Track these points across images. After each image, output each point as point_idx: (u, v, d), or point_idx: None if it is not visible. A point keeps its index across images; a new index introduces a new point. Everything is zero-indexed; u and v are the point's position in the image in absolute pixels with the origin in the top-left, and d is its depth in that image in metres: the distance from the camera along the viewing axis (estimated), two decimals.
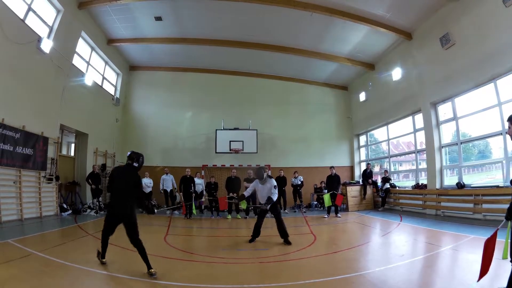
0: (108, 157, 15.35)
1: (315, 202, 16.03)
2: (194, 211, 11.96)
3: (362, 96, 17.35)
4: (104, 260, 4.99)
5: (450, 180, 11.67)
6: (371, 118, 16.59)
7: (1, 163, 8.69)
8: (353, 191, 14.45)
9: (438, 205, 11.25)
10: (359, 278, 4.38)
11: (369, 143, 18.09)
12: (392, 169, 15.75)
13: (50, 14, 10.99)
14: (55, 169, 11.21)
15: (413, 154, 14.01)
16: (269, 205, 7.01)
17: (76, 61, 12.81)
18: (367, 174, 14.82)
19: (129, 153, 5.20)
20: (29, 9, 9.89)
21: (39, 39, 10.12)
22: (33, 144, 10.01)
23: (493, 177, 10.35)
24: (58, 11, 11.21)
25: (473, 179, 10.97)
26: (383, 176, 14.43)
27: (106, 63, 15.65)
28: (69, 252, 5.65)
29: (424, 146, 12.79)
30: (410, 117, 13.85)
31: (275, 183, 7.28)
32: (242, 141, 16.31)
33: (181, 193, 12.38)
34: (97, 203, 12.43)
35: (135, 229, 4.78)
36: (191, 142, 17.59)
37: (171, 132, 17.56)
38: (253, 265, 5.28)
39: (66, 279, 4.24)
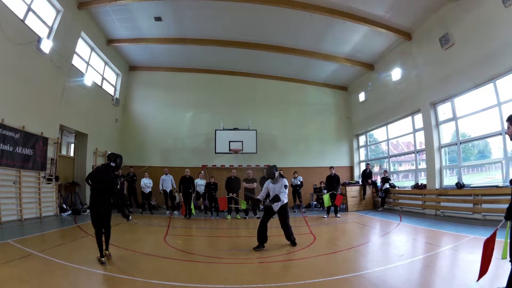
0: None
1: (315, 202, 16.05)
2: (193, 211, 11.98)
3: (362, 96, 17.37)
4: (103, 259, 5.10)
5: (449, 180, 11.68)
6: (371, 118, 16.60)
7: (1, 163, 8.69)
8: (352, 191, 14.46)
9: (437, 205, 11.26)
10: (359, 278, 4.39)
11: (368, 143, 18.09)
12: (392, 169, 15.75)
13: (49, 14, 10.99)
14: (55, 170, 11.21)
15: (413, 154, 14.01)
16: (273, 203, 6.66)
17: (76, 62, 12.81)
18: (367, 174, 14.83)
19: (108, 153, 5.76)
20: (29, 9, 9.90)
21: (38, 40, 10.11)
22: (32, 145, 10.01)
23: (493, 177, 10.35)
24: (57, 11, 11.21)
25: (472, 179, 10.97)
26: (383, 176, 14.44)
27: (106, 63, 15.65)
28: (69, 252, 5.66)
29: (423, 146, 12.80)
30: (410, 117, 13.86)
31: (286, 182, 6.89)
32: (242, 141, 16.32)
33: (181, 194, 12.37)
34: None
35: (109, 219, 5.53)
36: (190, 142, 17.58)
37: (171, 133, 17.56)
38: (252, 265, 5.28)
39: (66, 279, 4.24)
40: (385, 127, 15.94)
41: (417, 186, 12.85)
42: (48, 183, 10.88)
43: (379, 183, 14.81)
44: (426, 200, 11.99)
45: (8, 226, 8.24)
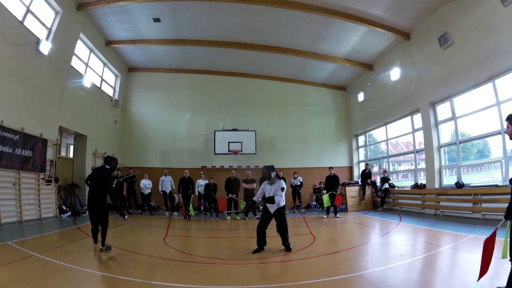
0: None
1: (314, 203, 16.05)
2: (191, 212, 11.97)
3: (361, 97, 17.38)
4: (96, 245, 5.79)
5: (449, 179, 11.69)
6: (370, 118, 16.61)
7: (0, 165, 8.67)
8: (352, 192, 14.46)
9: (437, 205, 11.26)
10: (359, 278, 4.39)
11: (368, 143, 18.11)
12: (391, 169, 15.76)
13: (48, 15, 10.98)
14: (54, 171, 11.20)
15: (412, 154, 14.03)
16: (266, 203, 6.34)
17: (75, 63, 12.80)
18: (366, 174, 14.83)
19: (104, 156, 6.20)
20: (28, 10, 9.88)
21: (37, 41, 10.10)
22: (32, 146, 9.99)
23: (492, 176, 10.36)
24: (56, 13, 11.20)
25: (472, 179, 10.98)
26: (382, 176, 14.45)
27: (105, 64, 15.64)
28: (69, 254, 5.65)
29: (423, 146, 12.81)
30: (409, 117, 13.87)
31: (283, 184, 6.48)
32: (241, 142, 16.33)
33: (180, 195, 12.36)
34: None
35: (106, 219, 5.97)
36: (190, 143, 17.58)
37: (170, 134, 17.56)
38: (252, 266, 5.28)
39: (66, 280, 4.24)
40: (384, 127, 15.95)
41: (416, 186, 12.86)
42: (48, 185, 10.86)
43: (378, 183, 14.82)
44: (425, 199, 11.99)
45: (8, 228, 8.22)
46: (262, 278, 4.68)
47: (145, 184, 13.77)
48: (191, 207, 11.92)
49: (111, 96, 16.25)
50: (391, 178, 14.79)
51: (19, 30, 9.47)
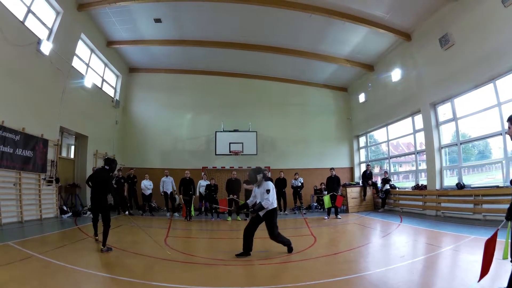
0: None
1: (315, 204, 16.02)
2: (192, 212, 11.97)
3: (362, 97, 17.37)
4: (97, 237, 6.58)
5: (450, 180, 11.67)
6: (371, 119, 16.60)
7: (1, 165, 8.68)
8: (353, 193, 14.43)
9: (438, 206, 11.24)
10: (360, 280, 4.38)
11: (368, 144, 18.09)
12: (392, 170, 15.75)
13: (49, 16, 11.01)
14: (55, 171, 11.20)
15: (413, 155, 14.01)
16: (256, 211, 6.06)
17: (76, 63, 12.82)
18: (367, 175, 14.80)
19: (104, 158, 6.75)
20: (29, 11, 9.91)
21: (38, 41, 10.12)
22: (33, 146, 10.00)
23: (493, 177, 10.34)
24: (57, 13, 11.22)
25: (473, 180, 10.97)
26: (383, 177, 14.44)
27: (106, 65, 15.66)
28: (70, 254, 5.64)
29: (423, 147, 12.79)
30: (410, 118, 13.86)
31: (269, 186, 6.03)
32: (242, 143, 16.35)
33: (181, 195, 12.37)
34: None
35: (108, 219, 6.34)
36: (191, 144, 17.59)
37: (171, 134, 17.58)
38: (253, 267, 5.27)
39: (67, 281, 4.23)
40: (385, 128, 15.94)
41: (417, 187, 12.84)
42: (49, 185, 10.87)
43: (379, 184, 14.80)
44: (426, 200, 11.97)
45: (9, 228, 8.22)
46: (263, 279, 4.67)
47: (146, 184, 13.78)
48: (192, 208, 11.91)
49: (112, 96, 16.27)
50: (392, 179, 14.77)
51: (20, 30, 9.48)
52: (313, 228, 9.80)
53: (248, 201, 6.60)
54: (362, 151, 18.52)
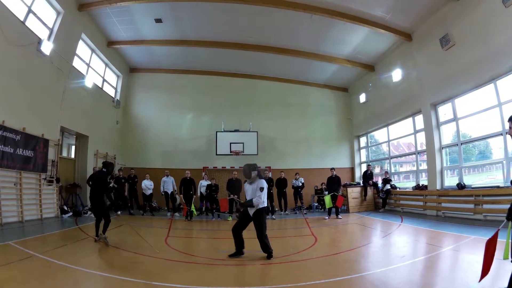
0: (109, 159, 15.32)
1: (316, 204, 16.02)
2: (194, 212, 11.98)
3: (363, 98, 17.37)
4: (96, 237, 6.76)
5: (450, 181, 11.67)
6: (372, 119, 16.59)
7: (1, 165, 8.70)
8: (353, 193, 14.42)
9: (438, 206, 11.23)
10: (360, 280, 4.37)
11: (369, 144, 18.08)
12: (393, 170, 15.74)
13: (50, 16, 11.02)
14: (56, 171, 11.21)
15: (414, 155, 14.01)
16: (245, 207, 5.97)
17: (76, 63, 12.84)
18: (368, 176, 14.78)
19: (103, 161, 7.70)
20: (29, 11, 9.92)
21: (39, 41, 10.13)
22: (33, 146, 10.01)
23: (494, 178, 10.32)
24: (58, 13, 11.24)
25: (473, 180, 10.96)
26: (384, 177, 14.42)
27: (106, 65, 15.67)
28: (70, 254, 5.64)
29: (424, 147, 12.79)
30: (410, 118, 13.85)
31: (263, 184, 5.94)
32: (243, 143, 16.35)
33: (181, 195, 12.37)
34: None
35: (107, 214, 7.04)
36: (191, 144, 17.60)
37: (172, 134, 17.58)
38: (254, 267, 5.27)
39: (67, 281, 4.23)
40: (386, 128, 15.93)
41: (418, 187, 12.84)
42: (49, 185, 10.88)
43: (380, 184, 14.79)
44: (427, 201, 11.96)
45: (9, 228, 8.24)
46: (263, 279, 4.67)
47: (147, 184, 13.79)
48: (193, 208, 11.91)
49: (113, 96, 16.28)
50: (392, 179, 14.76)
51: (21, 30, 9.50)
52: (314, 228, 9.79)
53: (254, 200, 6.23)
54: (363, 151, 18.51)
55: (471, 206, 9.72)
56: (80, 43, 12.93)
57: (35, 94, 10.32)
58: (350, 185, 14.88)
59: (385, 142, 16.28)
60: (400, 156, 15.82)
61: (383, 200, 13.99)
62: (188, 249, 7.11)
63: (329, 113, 18.84)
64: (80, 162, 13.77)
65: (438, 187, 11.64)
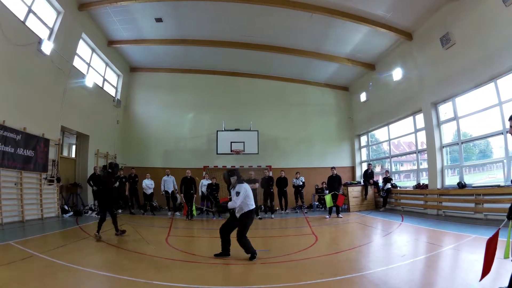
0: (110, 159, 15.33)
1: (317, 203, 16.03)
2: (194, 212, 11.97)
3: (363, 97, 17.36)
4: (98, 234, 6.99)
5: (451, 180, 11.65)
6: (372, 119, 16.58)
7: (2, 164, 8.71)
8: (354, 192, 14.42)
9: (439, 205, 11.23)
10: (361, 279, 4.37)
11: (370, 144, 18.08)
12: (393, 169, 15.74)
13: (50, 15, 11.03)
14: (56, 171, 11.22)
15: (414, 154, 14.00)
16: (219, 207, 5.86)
17: (77, 63, 12.84)
18: (368, 175, 14.78)
19: (109, 162, 7.29)
20: (29, 10, 9.93)
21: (39, 41, 10.14)
22: (34, 146, 10.02)
23: (494, 177, 10.32)
24: (58, 13, 11.24)
25: (474, 179, 10.95)
26: (384, 176, 14.41)
27: (107, 64, 15.68)
28: (71, 254, 5.65)
29: (425, 146, 12.78)
30: (411, 117, 13.84)
31: (239, 189, 5.96)
32: (243, 142, 16.33)
33: (182, 194, 12.37)
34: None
35: (110, 207, 7.63)
36: (192, 143, 17.61)
37: (172, 134, 17.59)
38: (254, 266, 5.27)
39: (68, 281, 4.23)
40: (386, 127, 15.92)
41: (418, 186, 12.83)
42: (50, 185, 10.89)
43: (380, 183, 14.78)
44: (427, 200, 11.96)
45: (10, 227, 8.25)
46: (264, 278, 4.66)
47: (147, 184, 13.81)
48: (194, 207, 11.91)
49: (113, 96, 16.29)
50: (393, 178, 14.75)
51: (21, 30, 9.50)
52: (315, 227, 9.80)
53: (229, 203, 6.20)
54: (364, 150, 18.50)
55: (472, 205, 9.72)
56: (81, 42, 12.93)
57: (36, 93, 10.33)
58: (351, 184, 14.86)
59: (386, 141, 16.27)
60: (401, 155, 15.81)
61: (384, 199, 13.98)
62: (189, 248, 7.12)
63: (330, 112, 18.84)
64: (80, 162, 13.78)
65: (439, 186, 11.63)
